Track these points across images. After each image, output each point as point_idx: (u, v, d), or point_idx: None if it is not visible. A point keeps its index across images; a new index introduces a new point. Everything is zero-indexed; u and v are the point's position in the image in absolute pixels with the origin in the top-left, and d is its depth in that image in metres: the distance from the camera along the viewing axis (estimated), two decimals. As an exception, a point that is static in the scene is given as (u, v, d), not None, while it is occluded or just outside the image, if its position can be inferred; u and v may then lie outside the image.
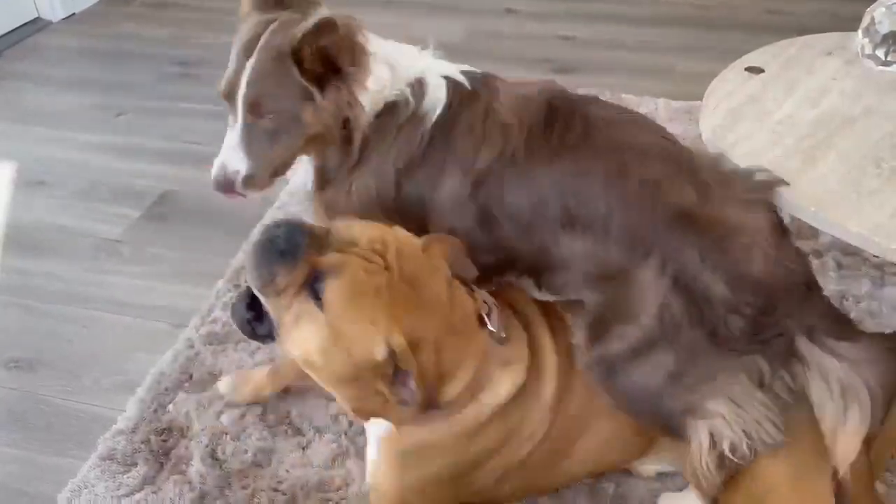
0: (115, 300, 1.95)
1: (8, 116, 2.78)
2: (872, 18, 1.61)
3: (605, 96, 2.65)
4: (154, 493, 1.45)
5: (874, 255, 1.89)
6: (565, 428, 1.30)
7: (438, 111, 1.29)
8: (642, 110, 2.55)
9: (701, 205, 1.19)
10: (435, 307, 1.11)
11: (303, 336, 1.05)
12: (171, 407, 1.62)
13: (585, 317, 1.29)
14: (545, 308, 1.35)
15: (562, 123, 1.27)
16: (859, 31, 1.65)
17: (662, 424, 1.30)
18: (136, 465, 1.50)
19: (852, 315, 1.77)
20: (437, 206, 1.31)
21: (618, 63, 2.95)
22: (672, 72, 2.86)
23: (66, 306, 1.93)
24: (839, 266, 1.91)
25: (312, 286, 1.03)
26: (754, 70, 1.64)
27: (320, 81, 1.22)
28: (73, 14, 3.56)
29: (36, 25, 3.44)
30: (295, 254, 1.03)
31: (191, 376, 1.69)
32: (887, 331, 1.72)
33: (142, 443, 1.55)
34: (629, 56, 3.01)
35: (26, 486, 1.52)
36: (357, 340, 1.03)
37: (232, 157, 1.24)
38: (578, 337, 1.30)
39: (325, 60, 1.20)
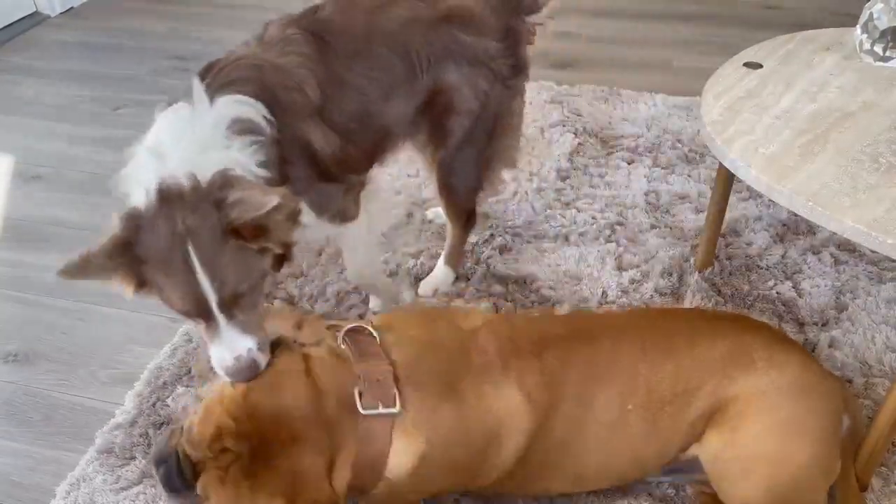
0: (112, 294, 1.92)
1: (5, 109, 2.77)
2: (871, 14, 1.61)
3: (604, 91, 2.68)
4: (153, 486, 1.45)
5: (871, 251, 1.90)
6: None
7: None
8: (640, 106, 2.56)
9: (434, 5, 1.55)
10: (292, 447, 1.12)
11: None
12: (169, 401, 1.62)
13: (420, 137, 1.66)
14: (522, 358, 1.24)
15: (329, 35, 1.47)
16: (857, 27, 1.66)
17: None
18: (134, 458, 1.51)
19: (849, 310, 1.77)
20: (322, 152, 1.44)
21: (616, 58, 2.96)
22: (670, 67, 2.86)
23: (63, 300, 1.93)
24: (836, 262, 1.91)
25: None
26: (753, 65, 1.65)
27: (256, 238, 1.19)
28: (72, 8, 3.55)
29: (34, 19, 3.44)
30: (178, 492, 1.16)
31: (189, 370, 1.69)
32: (882, 327, 1.73)
33: (140, 436, 1.55)
34: (627, 51, 3.01)
35: (23, 479, 1.52)
36: None
37: (237, 348, 1.17)
38: (425, 158, 1.71)
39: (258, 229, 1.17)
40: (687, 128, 2.43)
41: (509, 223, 2.09)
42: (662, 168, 2.26)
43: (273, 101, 1.33)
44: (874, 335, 1.71)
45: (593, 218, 2.09)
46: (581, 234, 2.04)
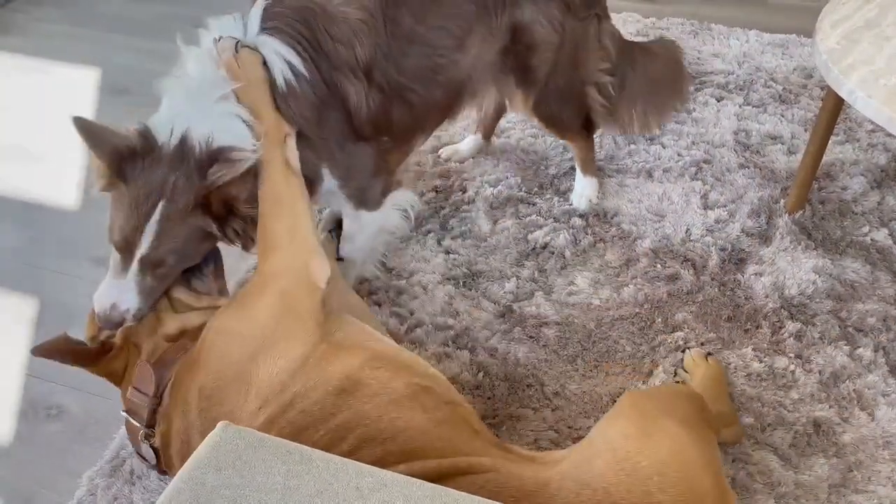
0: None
1: (90, 24, 2.82)
2: None
3: (693, 26, 2.56)
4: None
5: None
6: None
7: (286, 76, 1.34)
8: (732, 42, 2.45)
9: None
10: None
11: None
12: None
13: (509, 81, 1.65)
14: None
15: None
16: None
17: None
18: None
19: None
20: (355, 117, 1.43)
21: (707, -8, 2.81)
22: (764, 2, 2.72)
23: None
24: (937, 211, 1.82)
25: None
26: (872, -6, 1.55)
27: (221, 221, 1.26)
28: (151, -75, 3.55)
29: (115, -65, 3.44)
30: None
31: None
32: None
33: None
34: (719, -15, 2.86)
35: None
36: None
37: (123, 298, 1.23)
38: (515, 101, 1.72)
39: (227, 203, 1.25)
40: (782, 66, 2.31)
41: (591, 156, 2.05)
42: (754, 107, 2.17)
43: (316, 51, 1.36)
44: (975, 288, 1.64)
45: (679, 154, 2.03)
46: (665, 171, 1.99)
